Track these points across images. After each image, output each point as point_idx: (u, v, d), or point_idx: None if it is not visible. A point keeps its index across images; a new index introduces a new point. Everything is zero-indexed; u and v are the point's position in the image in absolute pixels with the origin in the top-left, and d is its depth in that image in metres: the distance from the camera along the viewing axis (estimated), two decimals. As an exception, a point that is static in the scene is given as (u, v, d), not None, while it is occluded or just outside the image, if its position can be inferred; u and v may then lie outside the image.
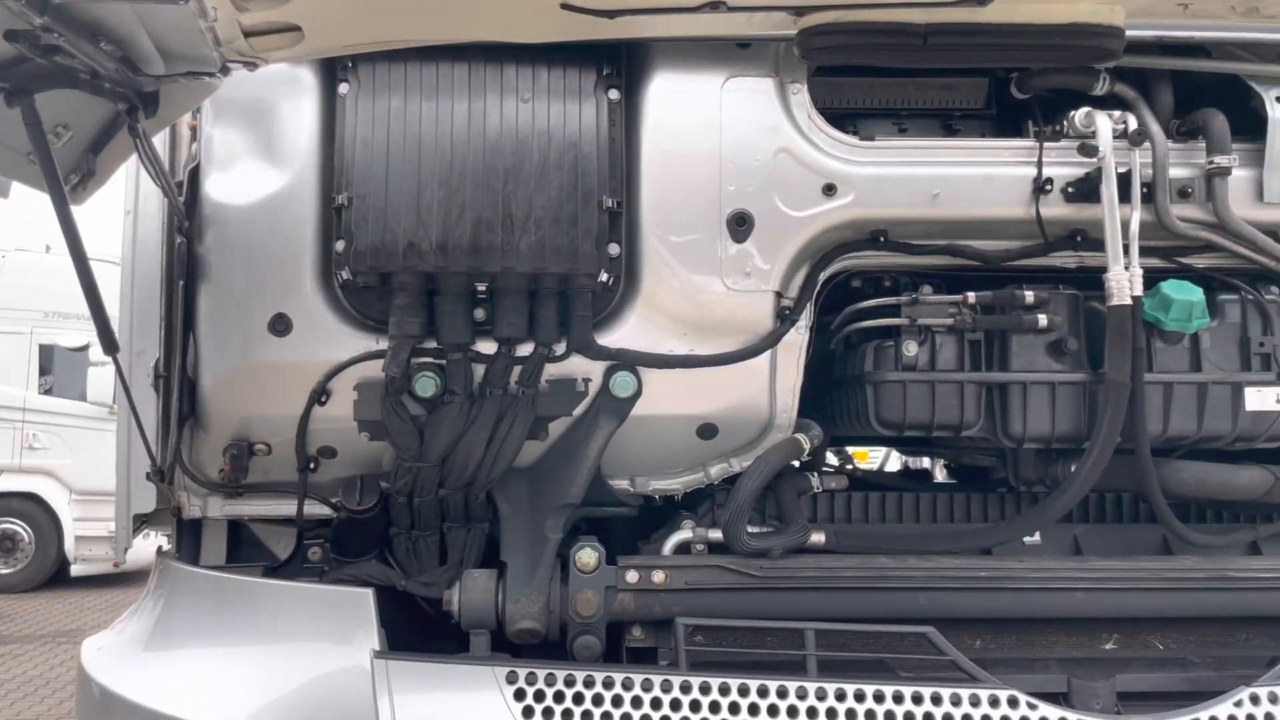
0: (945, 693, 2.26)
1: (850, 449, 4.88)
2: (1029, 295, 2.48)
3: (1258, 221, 2.50)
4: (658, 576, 2.42)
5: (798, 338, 2.55)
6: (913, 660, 2.38)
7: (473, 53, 2.42)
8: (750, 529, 2.55)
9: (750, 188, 2.45)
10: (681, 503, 2.70)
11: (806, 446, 2.53)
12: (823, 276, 2.56)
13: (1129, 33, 2.35)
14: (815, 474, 2.76)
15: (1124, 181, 2.44)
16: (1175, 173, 2.48)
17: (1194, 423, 2.51)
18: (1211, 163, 2.44)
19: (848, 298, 2.70)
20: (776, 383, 2.56)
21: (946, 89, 2.61)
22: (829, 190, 2.45)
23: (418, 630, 2.61)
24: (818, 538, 2.62)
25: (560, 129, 2.42)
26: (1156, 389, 2.50)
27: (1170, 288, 2.45)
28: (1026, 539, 2.80)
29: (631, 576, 2.42)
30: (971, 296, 2.50)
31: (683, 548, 2.59)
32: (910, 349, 2.50)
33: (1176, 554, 2.71)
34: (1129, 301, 2.37)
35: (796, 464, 2.72)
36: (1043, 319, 2.47)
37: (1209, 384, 2.51)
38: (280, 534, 2.78)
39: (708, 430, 2.56)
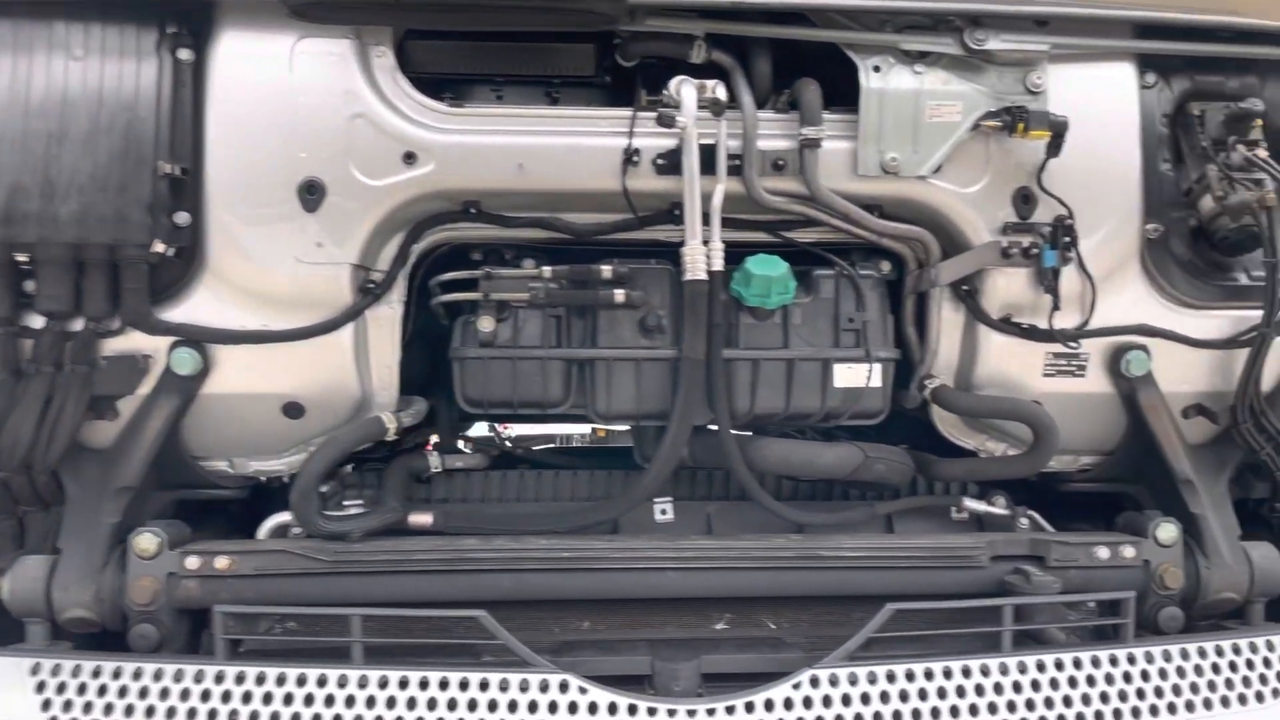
0: (495, 678, 2.19)
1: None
2: (606, 270, 2.41)
3: (854, 194, 2.45)
4: (221, 562, 2.32)
5: (390, 312, 2.46)
6: (475, 645, 2.30)
7: (18, 7, 2.27)
8: (340, 511, 2.46)
9: (323, 155, 2.33)
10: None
11: (391, 425, 2.43)
12: (418, 249, 2.47)
13: None
14: (437, 453, 2.68)
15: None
16: (771, 145, 2.42)
17: (782, 400, 2.47)
18: (802, 134, 2.38)
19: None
20: (370, 359, 2.46)
21: (551, 55, 2.51)
22: (409, 159, 2.35)
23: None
24: (424, 519, 2.55)
25: (115, 90, 2.28)
26: (745, 366, 2.46)
27: (754, 263, 2.39)
28: (659, 517, 2.76)
29: (192, 563, 2.32)
30: (548, 271, 2.42)
31: (280, 531, 2.50)
32: (486, 324, 2.42)
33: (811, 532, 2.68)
34: (703, 277, 2.31)
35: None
36: (620, 294, 2.40)
37: (797, 360, 2.47)
38: None
39: (294, 409, 2.45)
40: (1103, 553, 2.49)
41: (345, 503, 2.49)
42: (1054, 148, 2.40)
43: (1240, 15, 2.49)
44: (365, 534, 2.39)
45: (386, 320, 2.45)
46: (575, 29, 2.28)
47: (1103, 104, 2.50)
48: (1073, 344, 2.51)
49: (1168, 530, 2.51)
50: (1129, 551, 2.49)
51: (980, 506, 2.70)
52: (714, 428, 2.50)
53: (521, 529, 2.52)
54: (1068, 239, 2.46)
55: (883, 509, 2.67)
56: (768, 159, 2.42)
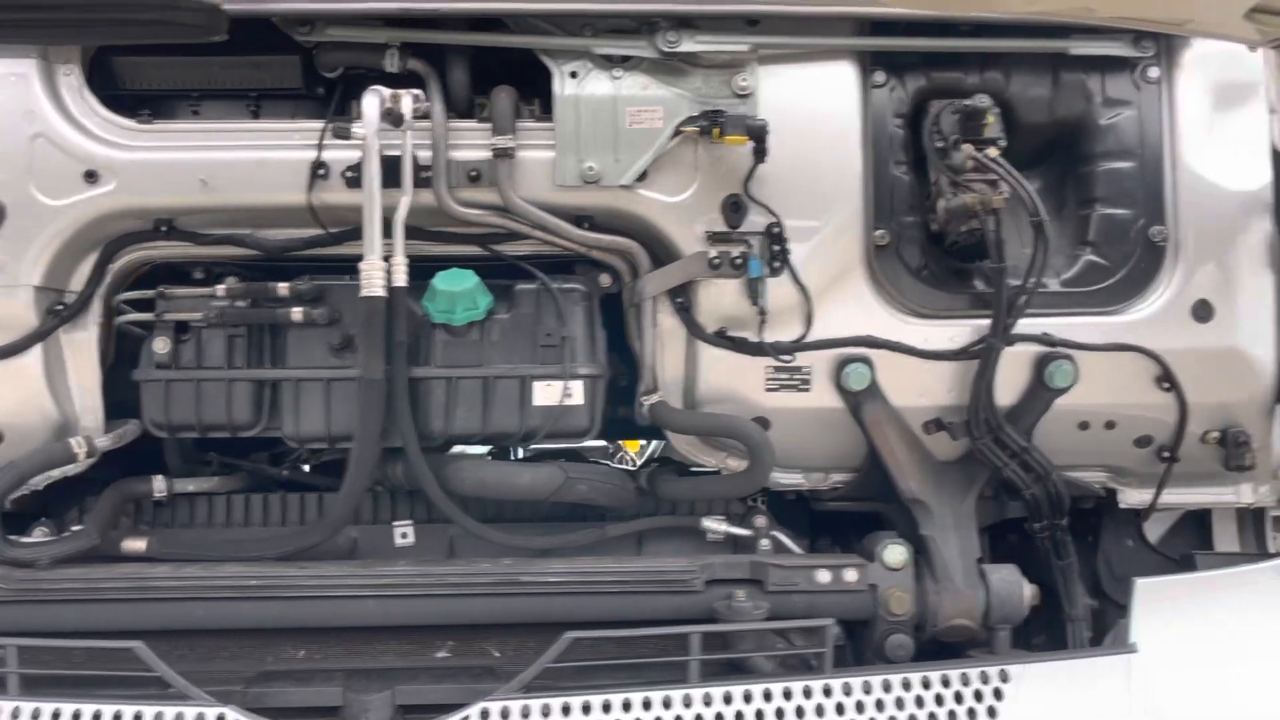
0: (150, 711, 2.12)
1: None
2: (283, 287, 2.34)
3: (557, 204, 2.36)
4: (-107, 588, 2.29)
5: (87, 334, 2.41)
6: (139, 678, 2.23)
7: None
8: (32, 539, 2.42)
9: (3, 177, 2.30)
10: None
11: (80, 451, 2.36)
12: (114, 268, 2.42)
13: (403, 5, 2.24)
14: (165, 478, 2.61)
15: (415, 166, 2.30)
16: (468, 155, 2.35)
17: (479, 419, 2.38)
18: (494, 144, 2.30)
19: None
20: (68, 382, 2.42)
21: (256, 68, 2.45)
22: (90, 177, 2.30)
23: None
24: (138, 545, 2.49)
25: None
26: (441, 385, 2.37)
27: (442, 278, 2.31)
28: (399, 540, 2.68)
29: None
30: (222, 289, 2.36)
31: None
32: (161, 346, 2.36)
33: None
34: (379, 294, 2.23)
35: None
36: (299, 312, 2.33)
37: (493, 378, 2.38)
38: None
39: None
40: (823, 576, 2.36)
41: (38, 529, 2.44)
42: (759, 153, 2.29)
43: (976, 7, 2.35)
44: (55, 560, 2.34)
45: (83, 342, 2.40)
46: (175, 40, 2.22)
47: (820, 106, 2.40)
48: (785, 358, 2.39)
49: (895, 553, 2.38)
50: (851, 575, 2.36)
51: (720, 526, 2.58)
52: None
53: (227, 555, 2.45)
54: (778, 248, 2.35)
55: (614, 531, 2.56)
56: (463, 170, 2.34)
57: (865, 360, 2.40)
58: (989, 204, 2.28)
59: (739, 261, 2.34)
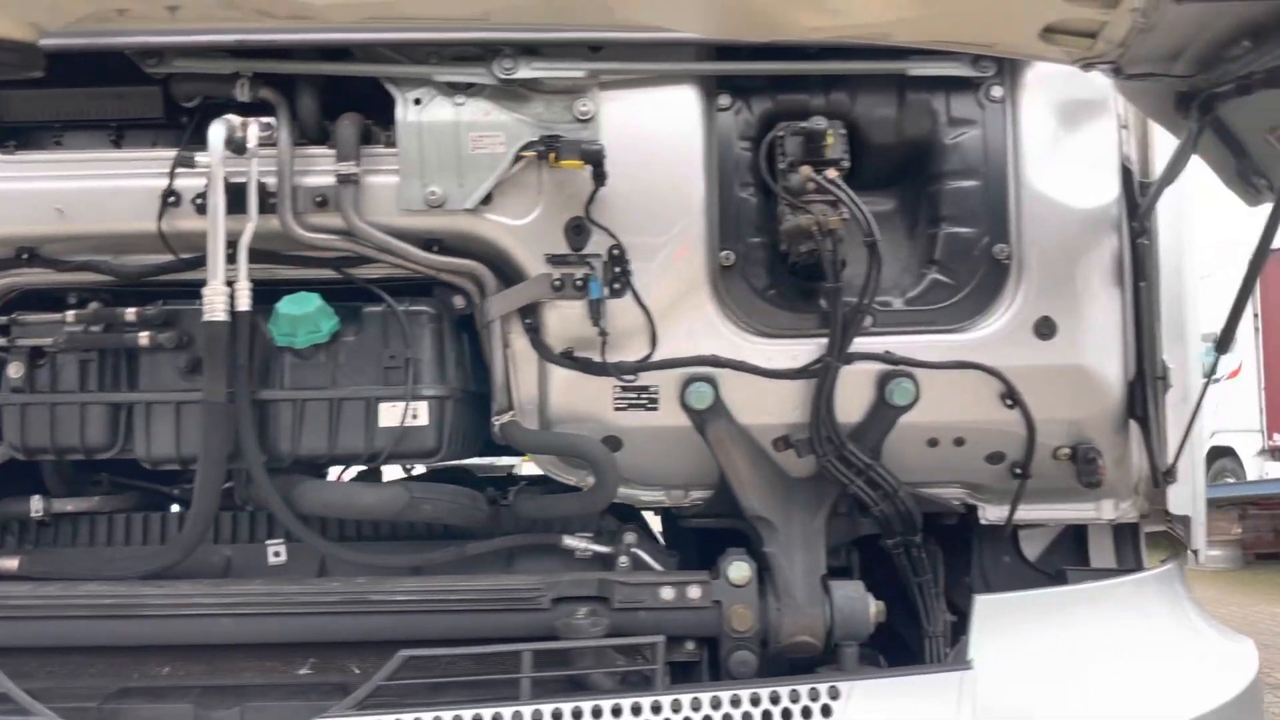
0: (-8, 728, 2.19)
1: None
2: (130, 313, 2.40)
3: (404, 229, 2.40)
4: None
5: None
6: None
7: None
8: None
9: (-126, 209, 2.38)
10: None
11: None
12: (-14, 297, 2.49)
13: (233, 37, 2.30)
14: (42, 498, 2.68)
15: (261, 191, 2.36)
16: (316, 181, 2.40)
17: (326, 441, 2.42)
18: (337, 170, 2.35)
19: None
20: None
21: (119, 99, 2.52)
22: (-47, 208, 2.38)
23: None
24: (9, 564, 2.56)
25: None
26: (288, 407, 2.42)
27: (285, 302, 2.36)
28: (271, 559, 2.73)
29: None
30: (71, 316, 2.42)
31: None
32: (14, 370, 2.42)
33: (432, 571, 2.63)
34: (221, 318, 2.29)
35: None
36: (145, 337, 2.39)
37: (339, 400, 2.42)
38: None
39: None
40: (667, 593, 2.39)
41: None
42: (598, 176, 2.33)
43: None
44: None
45: None
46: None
47: (662, 130, 2.43)
48: (629, 377, 2.42)
49: (739, 569, 2.40)
50: (695, 592, 2.38)
51: (579, 543, 2.61)
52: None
53: (91, 575, 2.51)
54: (619, 270, 2.38)
55: (474, 549, 2.59)
56: (311, 195, 2.39)
57: (708, 379, 2.43)
58: (825, 225, 2.30)
59: (580, 283, 2.38)
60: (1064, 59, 2.03)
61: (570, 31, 2.35)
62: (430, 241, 2.45)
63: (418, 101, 2.39)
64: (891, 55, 2.41)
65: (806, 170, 2.32)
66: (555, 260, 2.38)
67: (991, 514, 2.65)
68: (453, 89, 2.39)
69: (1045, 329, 2.41)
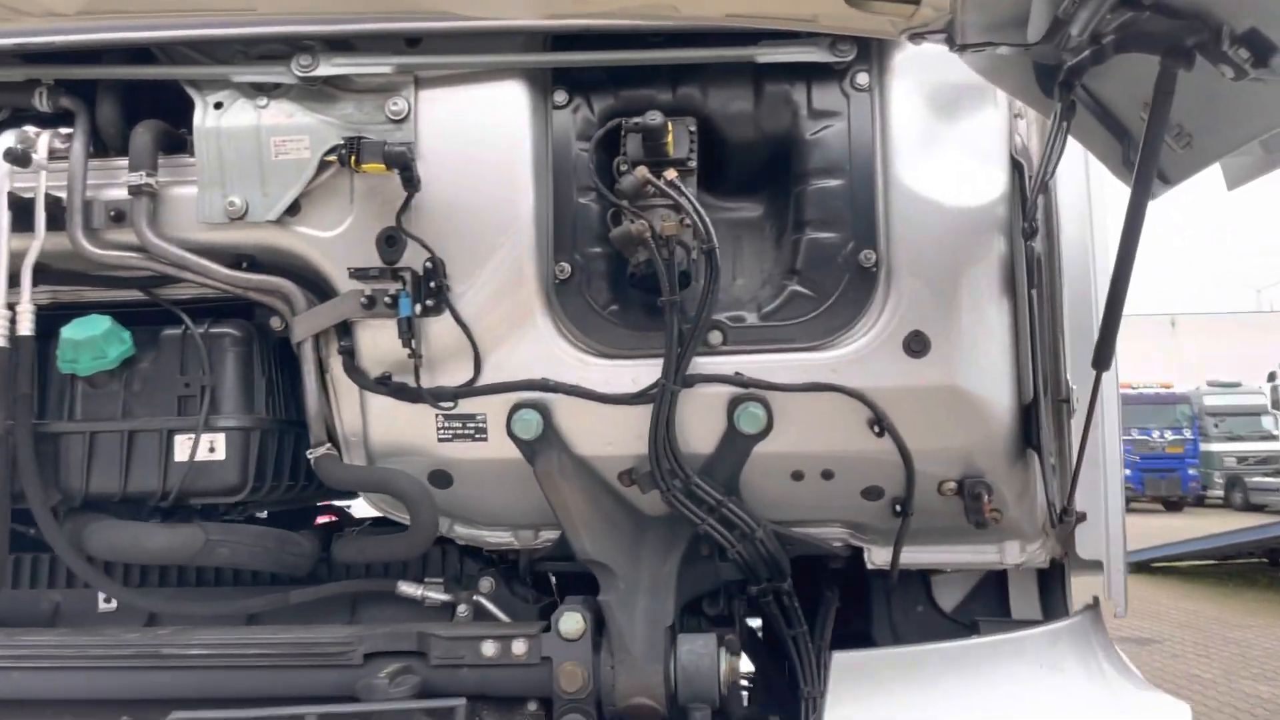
0: None
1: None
2: (-93, 338, 2.22)
3: (208, 244, 2.21)
4: None
5: None
6: None
7: None
8: None
9: None
10: None
11: None
12: None
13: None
14: None
15: (52, 205, 2.18)
16: (114, 194, 2.21)
17: (119, 477, 2.21)
18: (128, 181, 2.16)
19: None
20: None
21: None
22: None
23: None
24: None
25: None
26: (78, 440, 2.21)
27: (71, 326, 2.17)
28: (101, 606, 2.53)
29: None
30: None
31: None
32: None
33: (275, 622, 2.40)
34: (-1, 343, 2.10)
35: None
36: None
37: (130, 432, 2.21)
38: None
39: None
40: (489, 649, 2.12)
41: None
42: (408, 182, 2.11)
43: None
44: None
45: None
46: None
47: (486, 130, 2.19)
48: (447, 404, 2.17)
49: (571, 620, 2.13)
50: (520, 647, 2.11)
51: (416, 591, 2.36)
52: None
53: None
54: (434, 285, 2.14)
55: (296, 597, 2.35)
56: (106, 209, 2.20)
57: (537, 405, 2.17)
58: (661, 231, 2.04)
59: (392, 300, 2.14)
60: (889, 31, 1.75)
61: (378, 23, 2.14)
62: (240, 257, 2.24)
63: (219, 105, 2.19)
64: (739, 41, 2.15)
65: (642, 171, 2.07)
66: (360, 275, 2.15)
67: (878, 557, 2.34)
68: (257, 90, 2.19)
69: (916, 345, 2.11)
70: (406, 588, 2.37)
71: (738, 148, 2.28)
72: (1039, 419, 2.10)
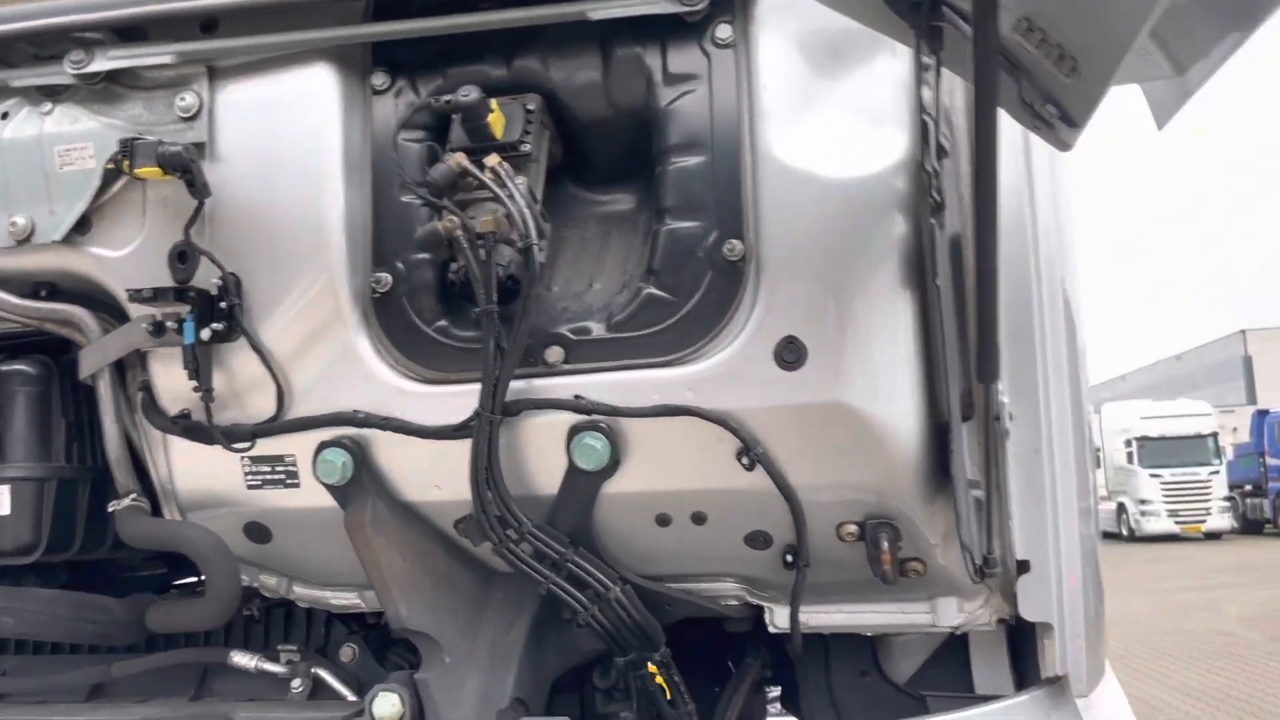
0: None
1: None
2: None
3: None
4: None
5: None
6: None
7: None
8: None
9: None
10: None
11: None
12: None
13: None
14: None
15: None
16: (-98, 220, 1.98)
17: None
18: None
19: None
20: None
21: None
22: None
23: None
24: None
25: None
26: None
27: None
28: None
29: None
30: None
31: None
32: None
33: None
34: None
35: None
36: None
37: None
38: None
39: None
40: (293, 735, 1.78)
41: None
42: (193, 188, 1.81)
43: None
44: None
45: None
46: None
47: (290, 124, 1.88)
48: (241, 445, 1.85)
49: (386, 703, 1.77)
50: (325, 735, 1.77)
51: (248, 662, 2.04)
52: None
53: None
54: (226, 306, 1.83)
55: (119, 669, 2.06)
56: (-112, 236, 1.98)
57: (347, 443, 1.83)
58: (479, 228, 1.69)
59: (179, 326, 1.84)
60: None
61: (162, 4, 1.86)
62: (40, 285, 1.98)
63: (4, 115, 1.94)
64: (571, -3, 1.78)
65: (458, 159, 1.72)
66: (137, 297, 1.86)
67: (780, 618, 1.91)
68: (43, 96, 1.93)
69: (790, 354, 1.68)
70: (239, 658, 2.05)
71: (593, 127, 1.91)
72: (951, 442, 1.64)
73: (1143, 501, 25.07)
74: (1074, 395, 1.81)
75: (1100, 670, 1.82)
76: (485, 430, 1.71)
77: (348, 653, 2.12)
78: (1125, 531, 25.53)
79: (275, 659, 2.06)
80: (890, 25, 1.46)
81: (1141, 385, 49.08)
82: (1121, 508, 25.92)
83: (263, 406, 1.87)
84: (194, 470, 1.94)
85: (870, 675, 2.11)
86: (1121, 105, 1.81)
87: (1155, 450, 25.13)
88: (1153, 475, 24.82)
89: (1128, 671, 10.09)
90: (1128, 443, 25.68)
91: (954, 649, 2.10)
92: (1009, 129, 1.66)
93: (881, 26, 1.48)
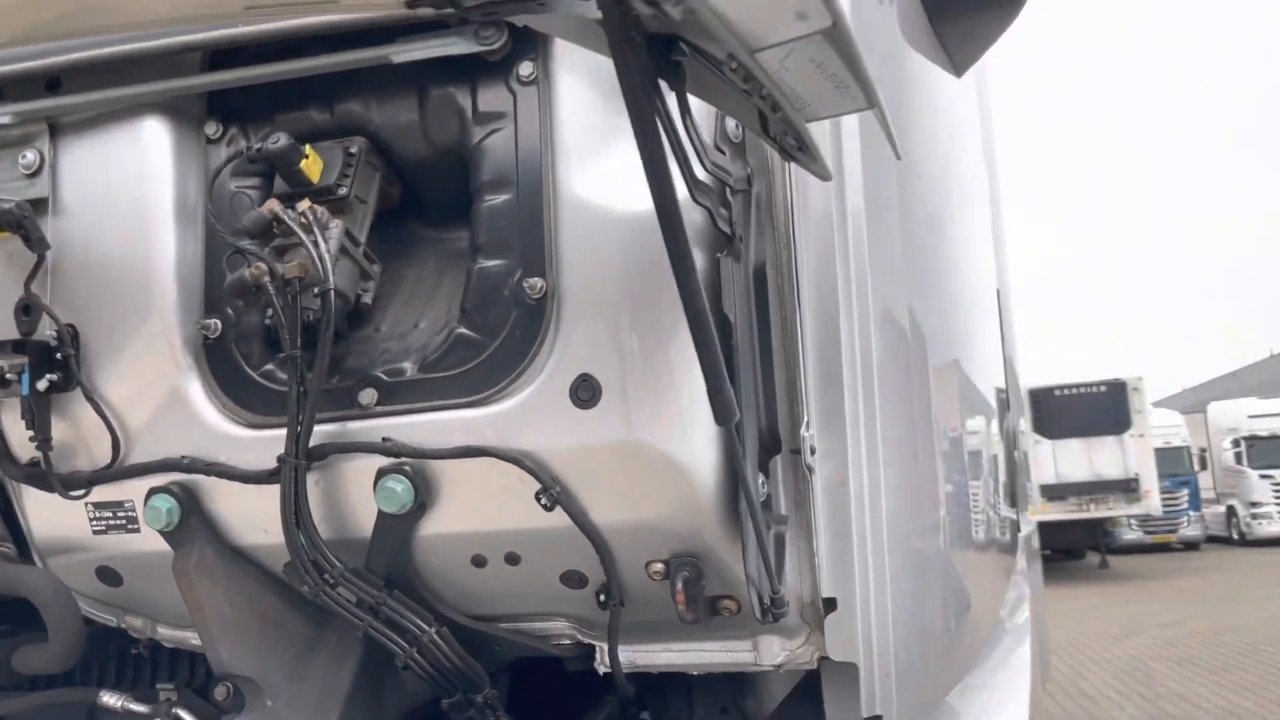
0: None
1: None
2: None
3: None
4: None
5: None
6: None
7: None
8: None
9: None
10: None
11: None
12: None
13: None
14: None
15: None
16: None
17: None
18: None
19: None
20: None
21: None
22: None
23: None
24: None
25: None
26: None
27: None
28: None
29: None
30: None
31: None
32: None
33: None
34: None
35: None
36: None
37: None
38: None
39: None
40: (123, 779, 1.81)
41: None
42: (29, 242, 1.87)
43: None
44: None
45: None
46: None
47: (121, 176, 1.93)
48: (77, 492, 1.90)
49: (209, 747, 1.79)
50: (152, 778, 1.79)
51: (116, 701, 2.08)
52: None
53: None
54: (61, 356, 1.88)
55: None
56: None
57: (177, 490, 1.86)
58: (285, 274, 1.71)
59: (18, 378, 1.90)
60: (390, 2, 1.36)
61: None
62: None
63: None
64: (377, 41, 1.79)
65: (270, 205, 1.75)
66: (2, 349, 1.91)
67: (609, 657, 1.87)
68: None
69: (585, 393, 1.66)
70: (108, 698, 2.09)
71: (420, 166, 1.93)
72: (742, 478, 1.60)
73: (1253, 504, 24.06)
74: (912, 415, 1.75)
75: (930, 709, 1.76)
76: (291, 476, 1.72)
77: (222, 691, 2.14)
78: (1235, 535, 24.54)
79: (151, 698, 2.10)
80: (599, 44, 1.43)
81: (1253, 384, 45.74)
82: (1231, 511, 24.93)
83: (103, 454, 1.92)
84: (46, 516, 1.99)
85: (731, 712, 2.07)
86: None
87: (1266, 450, 24.11)
88: (1263, 476, 23.83)
89: (1225, 686, 9.66)
90: (1235, 443, 24.66)
91: (812, 686, 2.04)
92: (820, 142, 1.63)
93: (592, 45, 1.44)
